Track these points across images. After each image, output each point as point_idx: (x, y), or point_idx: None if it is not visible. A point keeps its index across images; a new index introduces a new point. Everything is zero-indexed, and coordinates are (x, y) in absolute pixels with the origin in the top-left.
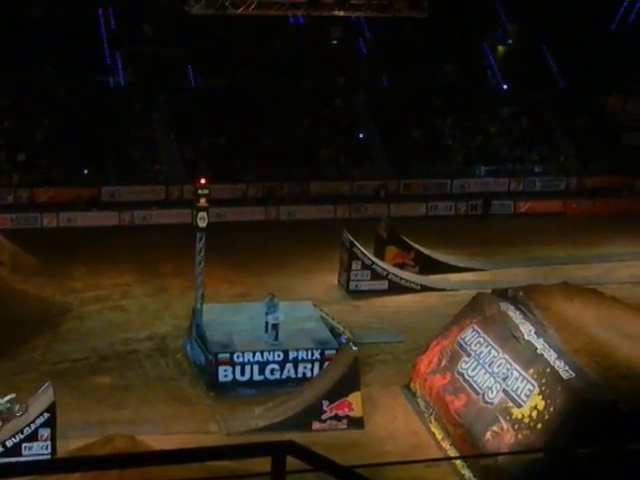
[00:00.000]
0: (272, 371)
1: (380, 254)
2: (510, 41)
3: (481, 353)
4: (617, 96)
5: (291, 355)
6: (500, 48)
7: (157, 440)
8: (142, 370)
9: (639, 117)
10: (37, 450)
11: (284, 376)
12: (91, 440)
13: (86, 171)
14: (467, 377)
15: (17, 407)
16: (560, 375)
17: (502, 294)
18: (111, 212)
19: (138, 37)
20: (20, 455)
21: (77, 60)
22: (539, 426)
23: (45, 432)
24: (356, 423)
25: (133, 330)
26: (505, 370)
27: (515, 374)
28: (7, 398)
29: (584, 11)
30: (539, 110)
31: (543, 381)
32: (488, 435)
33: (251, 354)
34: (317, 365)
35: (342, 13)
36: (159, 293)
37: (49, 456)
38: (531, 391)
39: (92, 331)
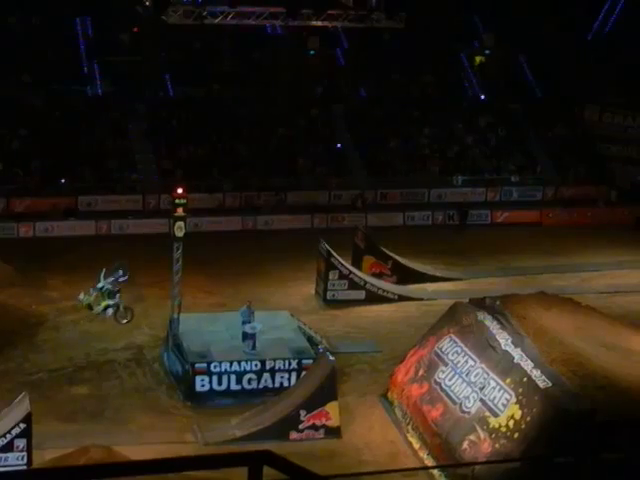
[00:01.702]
0: (249, 381)
1: (357, 264)
2: (487, 51)
3: (458, 362)
4: (593, 107)
5: (268, 365)
6: (477, 58)
7: (134, 450)
8: (119, 380)
9: (615, 127)
10: (13, 461)
11: (261, 386)
12: (67, 451)
13: (63, 180)
14: (444, 386)
15: None
16: (537, 384)
17: (479, 303)
18: (88, 222)
19: (115, 47)
20: None
21: (54, 69)
22: (516, 435)
23: (21, 443)
24: (333, 433)
25: (110, 340)
26: (482, 379)
27: (492, 383)
28: None
29: (561, 22)
30: (516, 120)
31: (520, 390)
32: (465, 444)
33: (228, 364)
34: (294, 375)
35: (320, 24)
36: (136, 303)
37: (25, 467)
38: (508, 400)
39: (68, 341)
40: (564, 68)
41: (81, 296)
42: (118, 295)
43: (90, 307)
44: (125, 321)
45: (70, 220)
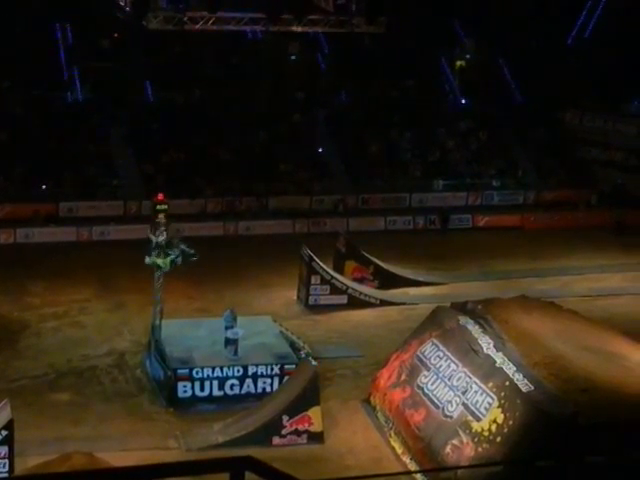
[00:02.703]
0: (232, 386)
1: (339, 269)
2: (467, 56)
3: (440, 367)
4: (574, 110)
5: (250, 370)
6: (458, 63)
7: (116, 457)
8: (101, 386)
9: (596, 131)
10: None
11: (244, 391)
12: (50, 458)
13: (44, 186)
14: (427, 391)
15: None
16: (519, 388)
17: (461, 308)
18: (69, 228)
19: (96, 52)
20: None
21: (34, 75)
22: (499, 439)
23: (2, 450)
24: (316, 438)
25: (91, 346)
26: (464, 384)
27: (474, 387)
28: None
29: (541, 26)
30: (497, 124)
31: (502, 394)
32: (448, 449)
33: (210, 369)
34: (277, 380)
35: (300, 29)
36: (118, 309)
37: (7, 475)
38: (490, 404)
39: (50, 347)
40: (544, 72)
41: (147, 260)
42: (176, 241)
43: (159, 266)
44: (194, 259)
45: (51, 226)
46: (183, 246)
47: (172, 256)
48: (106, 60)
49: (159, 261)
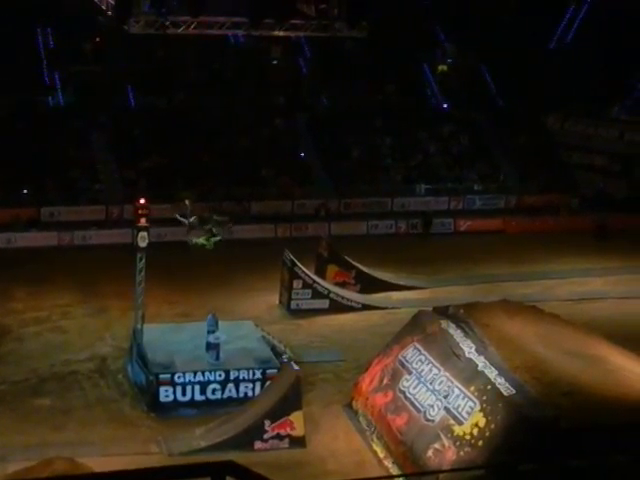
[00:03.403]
0: (213, 391)
1: (321, 273)
2: (449, 60)
3: (422, 371)
4: (556, 115)
5: (232, 375)
6: (439, 68)
7: (98, 462)
8: (82, 392)
9: (577, 136)
10: None
11: (225, 396)
12: (31, 463)
13: (25, 191)
14: (408, 395)
15: None
16: (501, 392)
17: (443, 312)
18: (50, 232)
19: (77, 57)
20: None
21: (16, 80)
22: (480, 443)
23: None
24: (298, 442)
25: (73, 351)
26: (446, 388)
27: (456, 391)
28: None
29: (522, 30)
30: (478, 129)
31: (484, 398)
32: (430, 453)
33: (192, 374)
34: (258, 385)
35: (282, 33)
36: (99, 314)
37: None
38: (472, 408)
39: (32, 353)
40: (526, 77)
41: (193, 241)
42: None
43: (203, 245)
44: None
45: (32, 231)
46: (216, 217)
47: (217, 237)
48: (88, 64)
49: (204, 241)
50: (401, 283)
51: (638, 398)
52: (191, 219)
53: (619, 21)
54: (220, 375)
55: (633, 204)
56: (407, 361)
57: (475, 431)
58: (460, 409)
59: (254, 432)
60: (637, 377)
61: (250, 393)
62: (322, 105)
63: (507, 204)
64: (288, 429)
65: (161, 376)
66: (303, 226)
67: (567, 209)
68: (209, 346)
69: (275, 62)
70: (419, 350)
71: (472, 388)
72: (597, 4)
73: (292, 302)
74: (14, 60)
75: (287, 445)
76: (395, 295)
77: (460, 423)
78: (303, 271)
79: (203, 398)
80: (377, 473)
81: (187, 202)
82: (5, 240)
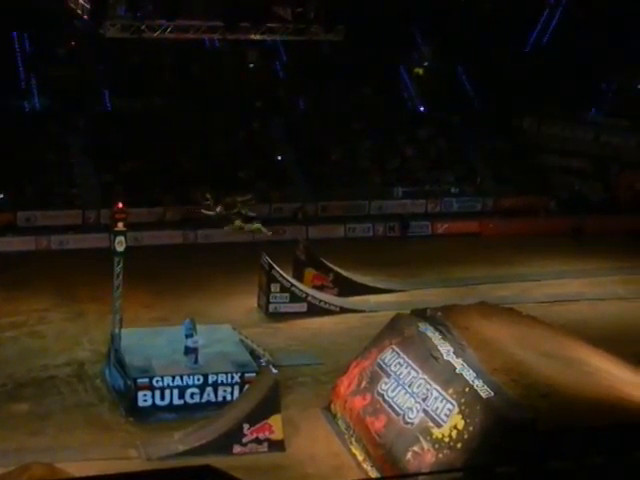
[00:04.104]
0: (192, 395)
1: (299, 276)
2: (426, 63)
3: (401, 374)
4: (532, 117)
5: (211, 379)
6: (416, 70)
7: (76, 467)
8: (60, 397)
9: (553, 138)
10: None
11: (204, 400)
12: (8, 469)
13: (1, 195)
14: (387, 398)
15: None
16: (479, 394)
17: (421, 314)
18: (27, 237)
19: (54, 60)
20: None
21: None
22: (459, 445)
23: None
24: (277, 446)
25: (51, 356)
26: (425, 390)
27: (435, 394)
28: None
29: (499, 33)
30: (455, 131)
31: (462, 400)
32: (409, 455)
33: (170, 378)
34: (237, 388)
35: (258, 37)
36: (77, 318)
37: None
38: (451, 411)
39: (9, 358)
40: (503, 79)
41: (230, 227)
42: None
43: (240, 228)
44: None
45: (9, 236)
46: (239, 198)
47: (258, 224)
48: (64, 68)
49: (241, 225)
50: (379, 286)
51: (615, 399)
52: (217, 210)
53: (594, 24)
54: (198, 379)
55: (609, 206)
56: (385, 364)
57: (454, 433)
58: (439, 411)
59: (233, 436)
60: (614, 378)
61: (229, 397)
62: (299, 108)
63: (484, 206)
64: (267, 433)
65: (139, 380)
66: (281, 229)
67: (544, 211)
68: (187, 350)
69: (251, 66)
70: (397, 353)
71: (450, 390)
72: (572, 7)
73: (270, 305)
74: None
75: (266, 449)
76: (373, 298)
77: (439, 425)
78: (281, 274)
79: (182, 402)
80: (356, 476)
81: (208, 195)
82: None
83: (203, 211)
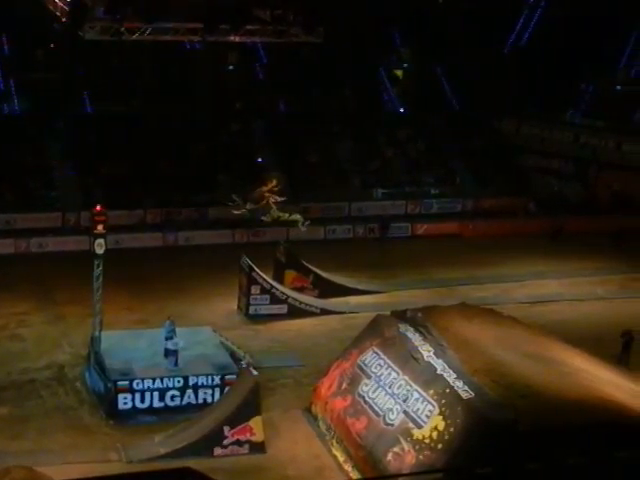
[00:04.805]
0: (172, 397)
1: (279, 278)
2: (405, 65)
3: (381, 375)
4: (511, 118)
5: (191, 381)
6: (396, 72)
7: (57, 470)
8: (40, 400)
9: (532, 139)
10: None
11: (184, 402)
12: None
13: None
14: (368, 399)
15: None
16: (460, 395)
17: (401, 316)
18: (7, 240)
19: (33, 63)
20: None
21: None
22: (440, 446)
23: None
24: (258, 448)
25: (31, 359)
26: (405, 391)
27: (415, 395)
28: None
29: (478, 34)
30: (435, 132)
31: (443, 402)
32: (389, 456)
33: (151, 381)
34: (217, 390)
35: (238, 39)
36: (57, 321)
37: None
38: (431, 412)
39: None
40: (481, 81)
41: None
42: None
43: (279, 217)
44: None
45: None
46: (265, 187)
47: (297, 215)
48: (43, 71)
49: (278, 214)
50: (359, 287)
51: (595, 399)
52: (247, 207)
53: (573, 25)
54: (179, 381)
55: (588, 206)
56: (366, 365)
57: (434, 434)
58: (419, 413)
59: (214, 438)
60: (594, 378)
61: (209, 399)
62: (279, 110)
63: (464, 208)
64: (248, 435)
65: (119, 383)
66: (260, 232)
67: (523, 212)
68: (167, 352)
69: (231, 68)
70: (378, 354)
71: (431, 392)
72: (551, 9)
73: (250, 307)
74: None
75: (247, 451)
76: (353, 300)
77: (419, 427)
78: (261, 276)
79: (162, 405)
80: (337, 478)
81: (234, 196)
82: None
83: (234, 212)
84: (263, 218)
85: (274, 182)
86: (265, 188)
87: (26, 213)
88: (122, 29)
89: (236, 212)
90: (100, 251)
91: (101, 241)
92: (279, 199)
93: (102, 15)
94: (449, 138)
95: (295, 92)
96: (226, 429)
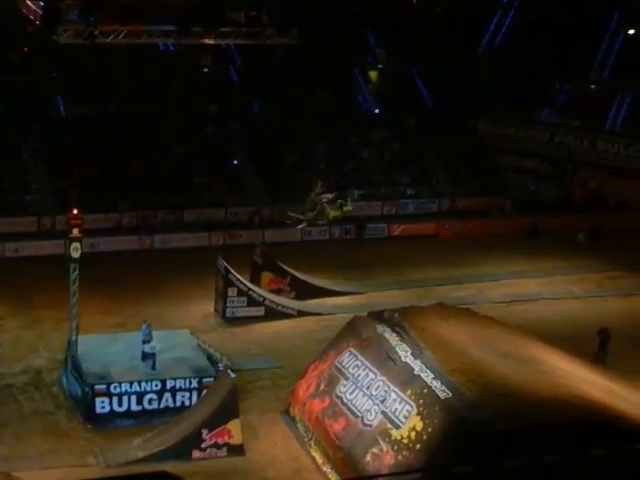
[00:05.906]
0: (150, 401)
1: (256, 280)
2: (380, 66)
3: (359, 376)
4: (486, 118)
5: (169, 384)
6: (370, 73)
7: (35, 476)
8: (17, 405)
9: (508, 139)
10: None
11: (162, 406)
12: None
13: None
14: (346, 400)
15: None
16: (437, 395)
17: (378, 316)
18: None
19: (6, 66)
20: None
21: None
22: (418, 446)
23: None
24: (236, 450)
25: (7, 364)
26: (383, 392)
27: (393, 396)
28: None
29: (452, 34)
30: (410, 133)
31: (421, 402)
32: (368, 457)
33: (128, 384)
34: (195, 393)
35: (212, 41)
36: (33, 325)
37: None
38: (409, 412)
39: None
40: (456, 81)
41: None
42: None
43: (335, 217)
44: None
45: None
46: (313, 193)
47: (345, 205)
48: (17, 74)
49: (335, 214)
50: (336, 289)
51: (572, 398)
52: (307, 217)
53: (546, 25)
54: (156, 385)
55: (564, 205)
56: (343, 366)
57: (413, 435)
58: (397, 413)
59: (192, 441)
60: (571, 377)
61: (187, 402)
62: (254, 112)
63: (440, 208)
64: (226, 437)
65: (97, 387)
66: (237, 234)
67: (499, 212)
68: (145, 356)
69: (205, 70)
70: (355, 355)
71: (409, 392)
72: (524, 9)
73: (227, 310)
74: None
75: (225, 453)
76: (330, 301)
77: (397, 427)
78: (238, 279)
79: (140, 408)
80: (316, 479)
81: (290, 213)
82: None
83: (298, 228)
84: (321, 223)
85: (319, 184)
86: (313, 193)
87: (1, 217)
88: (96, 32)
89: (299, 227)
90: (76, 255)
91: (77, 245)
92: (330, 196)
93: (76, 18)
94: (424, 139)
95: (270, 93)
96: (204, 432)
